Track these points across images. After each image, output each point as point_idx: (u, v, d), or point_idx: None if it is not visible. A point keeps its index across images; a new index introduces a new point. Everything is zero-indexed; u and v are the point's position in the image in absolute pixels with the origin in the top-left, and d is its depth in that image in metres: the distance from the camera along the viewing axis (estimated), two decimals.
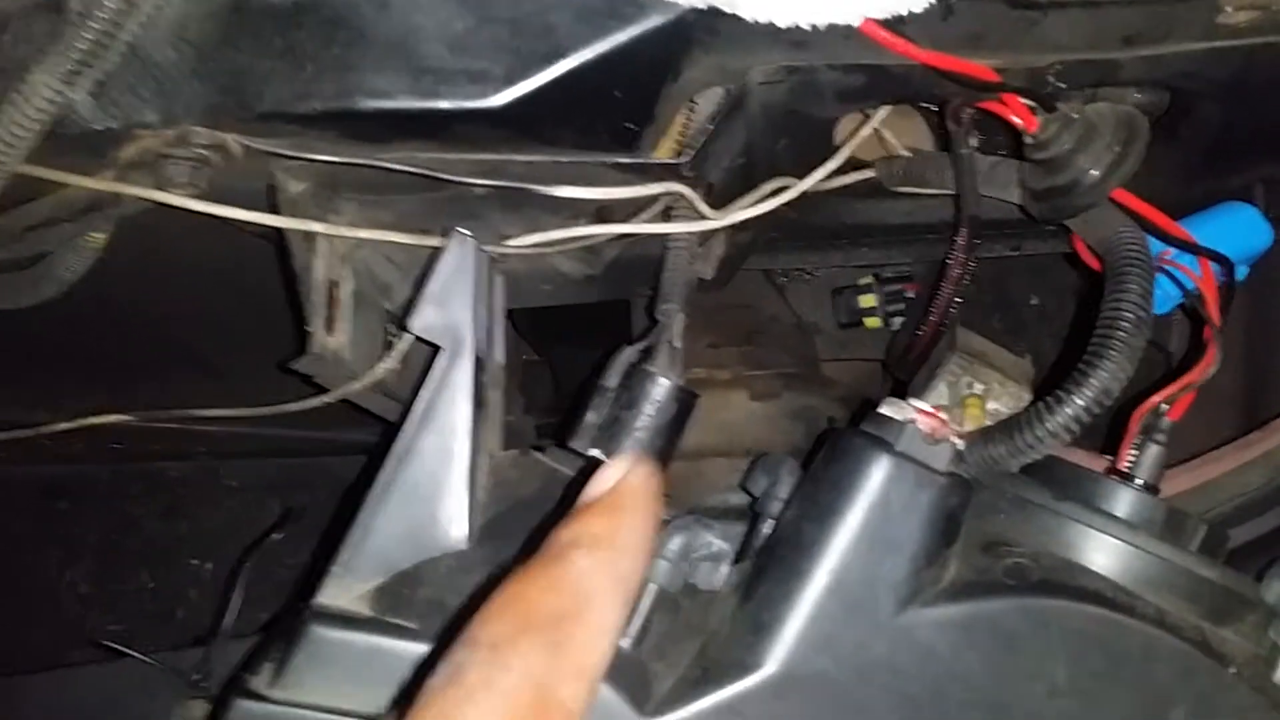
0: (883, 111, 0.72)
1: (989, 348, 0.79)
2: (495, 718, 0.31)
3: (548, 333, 1.13)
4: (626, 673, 0.52)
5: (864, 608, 0.52)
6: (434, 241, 0.65)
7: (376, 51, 0.56)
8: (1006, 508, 0.59)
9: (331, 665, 0.51)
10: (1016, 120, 0.65)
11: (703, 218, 0.67)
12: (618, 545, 0.36)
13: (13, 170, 0.56)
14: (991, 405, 0.75)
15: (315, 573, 0.55)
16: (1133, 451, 0.63)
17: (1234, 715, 0.54)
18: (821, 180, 0.71)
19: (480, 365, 0.58)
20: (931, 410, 0.54)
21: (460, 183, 0.62)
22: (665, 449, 0.65)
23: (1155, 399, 0.63)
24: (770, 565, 0.55)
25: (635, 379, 0.64)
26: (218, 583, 1.37)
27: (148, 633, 1.36)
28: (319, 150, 0.60)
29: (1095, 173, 0.66)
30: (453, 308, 0.59)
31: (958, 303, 0.73)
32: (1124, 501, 0.60)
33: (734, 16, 0.54)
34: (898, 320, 1.05)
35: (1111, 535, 0.57)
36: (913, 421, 0.54)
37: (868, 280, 1.06)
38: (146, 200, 0.62)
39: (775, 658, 0.51)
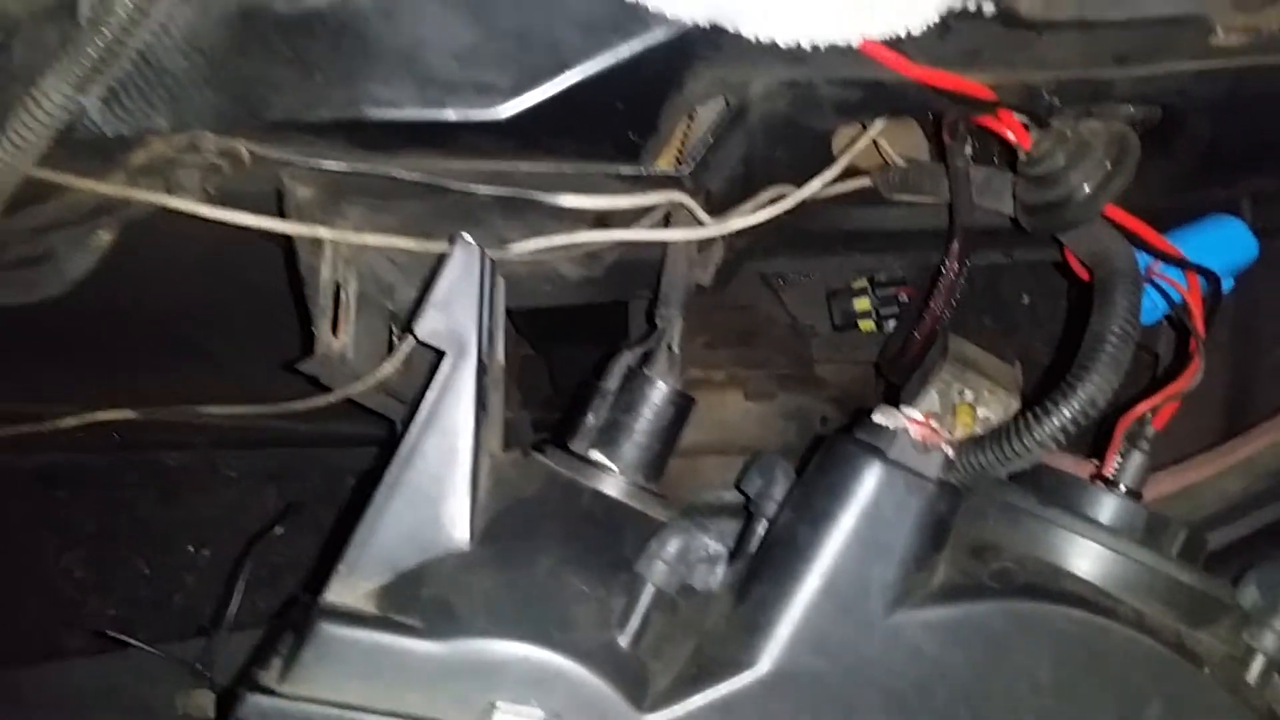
0: (880, 122, 0.73)
1: (979, 355, 0.80)
2: None
3: (546, 331, 1.14)
4: (625, 671, 0.54)
5: (855, 609, 0.54)
6: (438, 247, 0.66)
7: (385, 62, 0.57)
8: (994, 513, 0.61)
9: (339, 662, 0.53)
10: (1011, 136, 0.66)
11: (702, 225, 0.68)
12: None
13: (24, 173, 0.56)
14: (981, 412, 0.77)
15: (318, 567, 0.57)
16: (1117, 459, 0.65)
17: (1208, 714, 0.57)
18: (819, 188, 0.72)
19: (482, 369, 0.60)
20: (923, 419, 0.56)
21: (465, 190, 0.63)
22: (662, 452, 0.66)
23: (1141, 408, 0.65)
24: (764, 567, 0.56)
25: (634, 383, 0.66)
26: (215, 570, 1.36)
27: (144, 619, 1.36)
28: (327, 158, 0.61)
29: (1087, 189, 0.67)
30: (457, 313, 0.59)
31: (950, 310, 0.75)
32: (1107, 508, 0.62)
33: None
34: (891, 323, 1.07)
35: (1094, 541, 0.59)
36: (905, 429, 0.55)
37: (862, 284, 1.07)
38: (156, 204, 0.63)
39: (769, 657, 0.53)
